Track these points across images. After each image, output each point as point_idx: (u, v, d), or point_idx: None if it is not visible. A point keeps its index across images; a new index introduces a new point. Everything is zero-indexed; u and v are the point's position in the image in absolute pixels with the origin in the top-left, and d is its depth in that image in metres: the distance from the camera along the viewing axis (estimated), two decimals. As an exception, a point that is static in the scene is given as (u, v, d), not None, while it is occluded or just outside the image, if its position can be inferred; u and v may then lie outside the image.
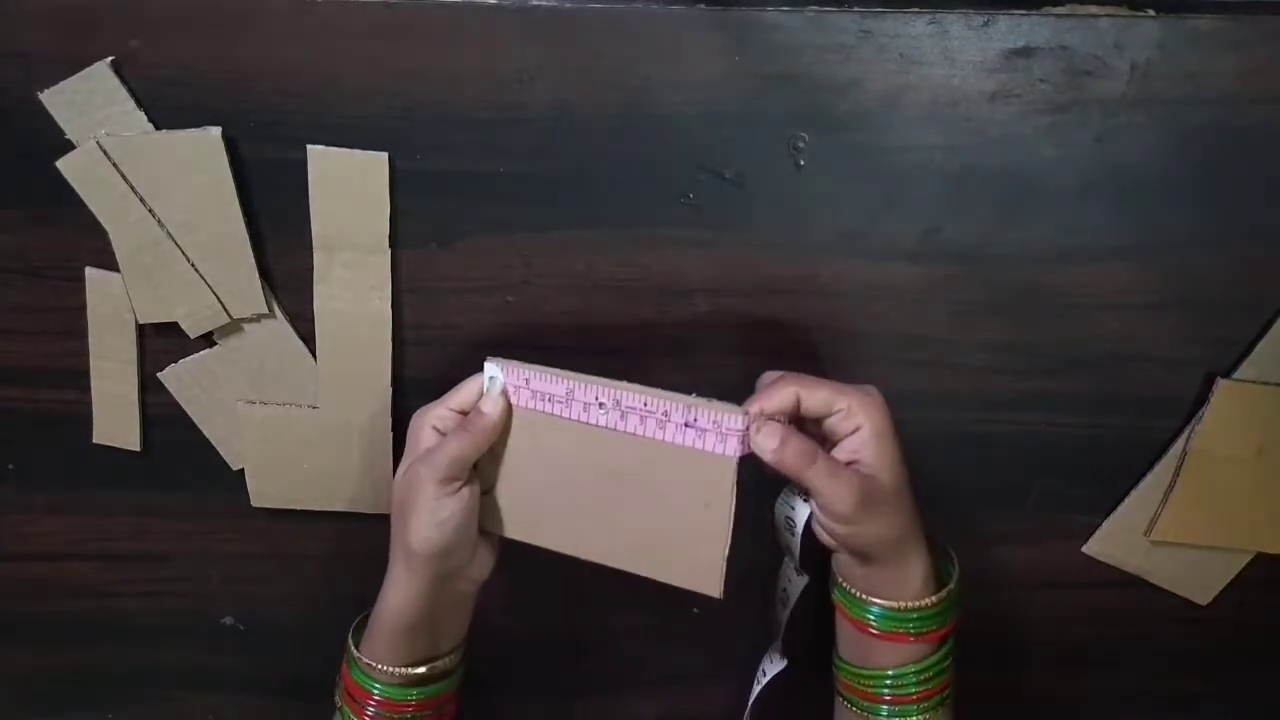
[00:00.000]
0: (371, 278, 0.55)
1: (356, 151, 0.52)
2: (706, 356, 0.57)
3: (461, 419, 0.50)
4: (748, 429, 0.46)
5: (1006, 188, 0.53)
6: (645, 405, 0.48)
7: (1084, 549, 0.62)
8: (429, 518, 0.49)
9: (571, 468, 0.50)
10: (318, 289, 0.55)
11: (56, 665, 0.68)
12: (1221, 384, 0.56)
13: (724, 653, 0.65)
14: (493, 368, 0.50)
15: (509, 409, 0.50)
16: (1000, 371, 0.57)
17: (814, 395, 0.47)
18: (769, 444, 0.46)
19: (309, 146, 0.52)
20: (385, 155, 0.52)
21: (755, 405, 0.47)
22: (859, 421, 0.47)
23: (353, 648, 0.53)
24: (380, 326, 0.56)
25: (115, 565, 0.64)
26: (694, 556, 0.48)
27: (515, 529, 0.52)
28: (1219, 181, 0.52)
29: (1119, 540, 0.61)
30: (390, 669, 0.52)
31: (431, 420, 0.50)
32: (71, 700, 0.69)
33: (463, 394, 0.50)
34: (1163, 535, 0.60)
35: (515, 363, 0.50)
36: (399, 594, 0.51)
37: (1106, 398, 0.58)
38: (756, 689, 0.58)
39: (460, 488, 0.49)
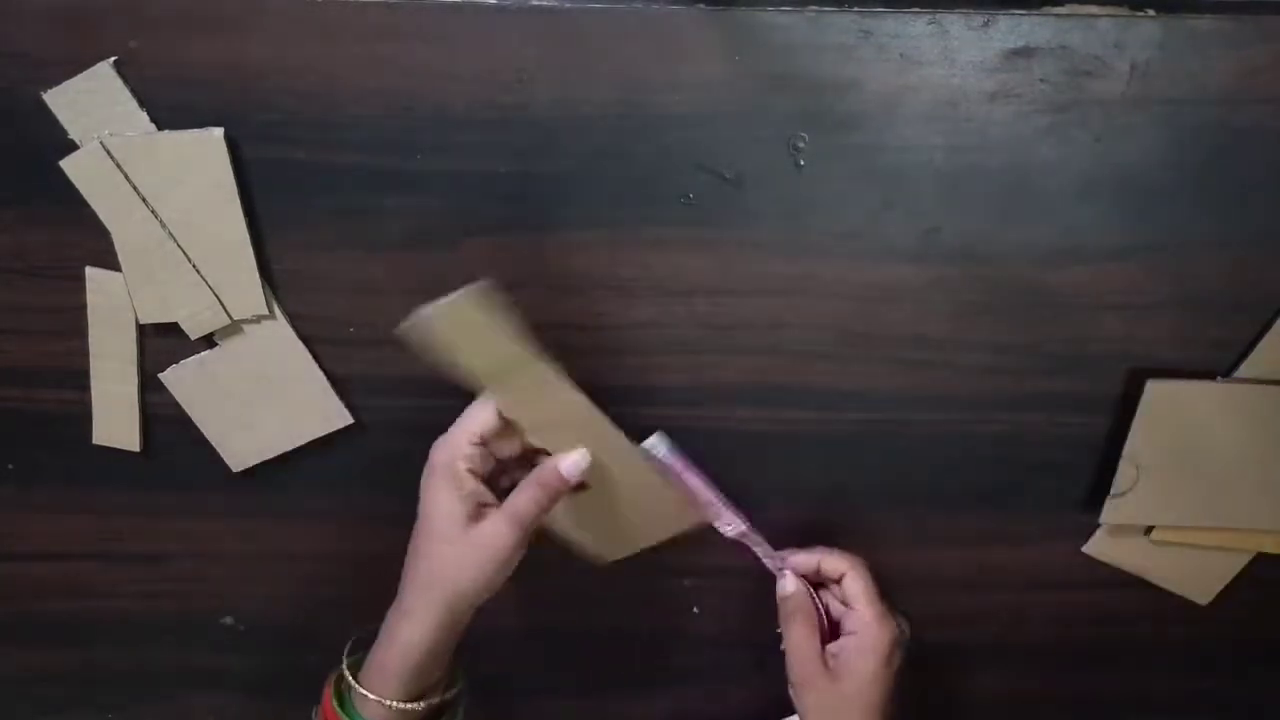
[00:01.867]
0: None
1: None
2: (706, 356, 0.57)
3: (536, 470, 0.51)
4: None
5: (1006, 188, 0.53)
6: (759, 541, 0.56)
7: (1084, 549, 0.62)
8: (495, 568, 0.49)
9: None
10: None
11: (56, 665, 0.68)
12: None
13: (724, 653, 0.65)
14: (660, 443, 0.54)
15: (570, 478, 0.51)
16: (1000, 371, 0.57)
17: (854, 583, 0.54)
18: (786, 587, 0.55)
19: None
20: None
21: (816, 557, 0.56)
22: (861, 631, 0.53)
23: (351, 679, 0.51)
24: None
25: (115, 565, 0.64)
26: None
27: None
28: (1219, 181, 0.52)
29: (1119, 540, 0.61)
30: (394, 704, 0.50)
31: (463, 461, 0.49)
32: (71, 700, 0.69)
33: (478, 423, 0.50)
34: (1163, 535, 0.60)
35: (678, 457, 0.54)
36: (421, 631, 0.49)
37: (1106, 398, 0.58)
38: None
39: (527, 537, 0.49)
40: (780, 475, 0.59)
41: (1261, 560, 0.61)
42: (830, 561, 0.55)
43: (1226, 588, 0.62)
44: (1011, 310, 0.56)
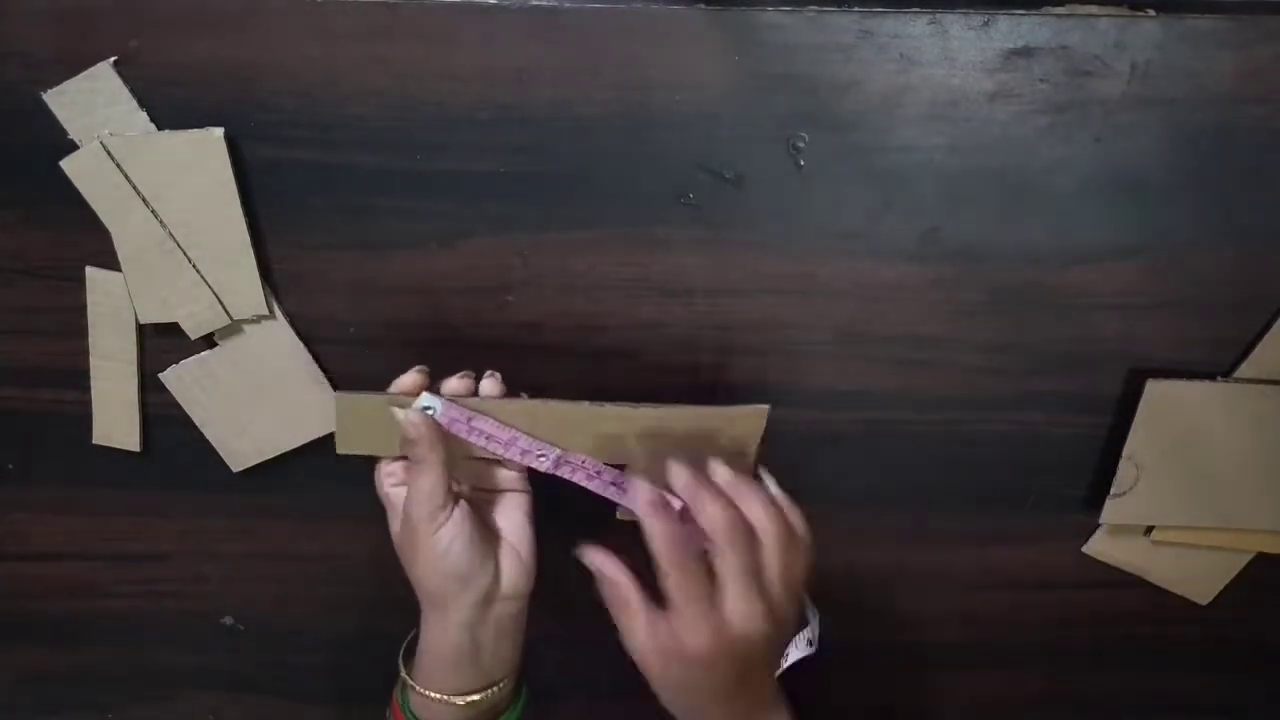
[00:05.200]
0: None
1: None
2: (706, 356, 0.57)
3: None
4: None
5: (1006, 188, 0.53)
6: (582, 462, 0.52)
7: (1084, 549, 0.62)
8: (430, 554, 0.49)
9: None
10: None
11: (56, 665, 0.68)
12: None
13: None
14: (430, 399, 0.50)
15: (433, 422, 0.50)
16: (1000, 371, 0.57)
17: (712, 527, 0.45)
18: (603, 569, 0.46)
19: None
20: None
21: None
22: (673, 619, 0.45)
23: (404, 673, 0.53)
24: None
25: (115, 565, 0.64)
26: None
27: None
28: (1219, 181, 0.52)
29: (1119, 540, 0.61)
30: (443, 697, 0.51)
31: (386, 480, 0.53)
32: (71, 700, 0.69)
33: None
34: (1163, 535, 0.60)
35: (456, 405, 0.51)
36: (437, 632, 0.51)
37: (1106, 398, 0.58)
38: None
39: (451, 513, 0.49)
40: (780, 475, 0.59)
41: (1261, 560, 0.61)
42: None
43: (1226, 588, 0.62)
44: (1011, 310, 0.56)
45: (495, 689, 0.52)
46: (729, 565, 0.45)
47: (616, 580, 0.46)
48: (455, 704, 0.51)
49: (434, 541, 0.49)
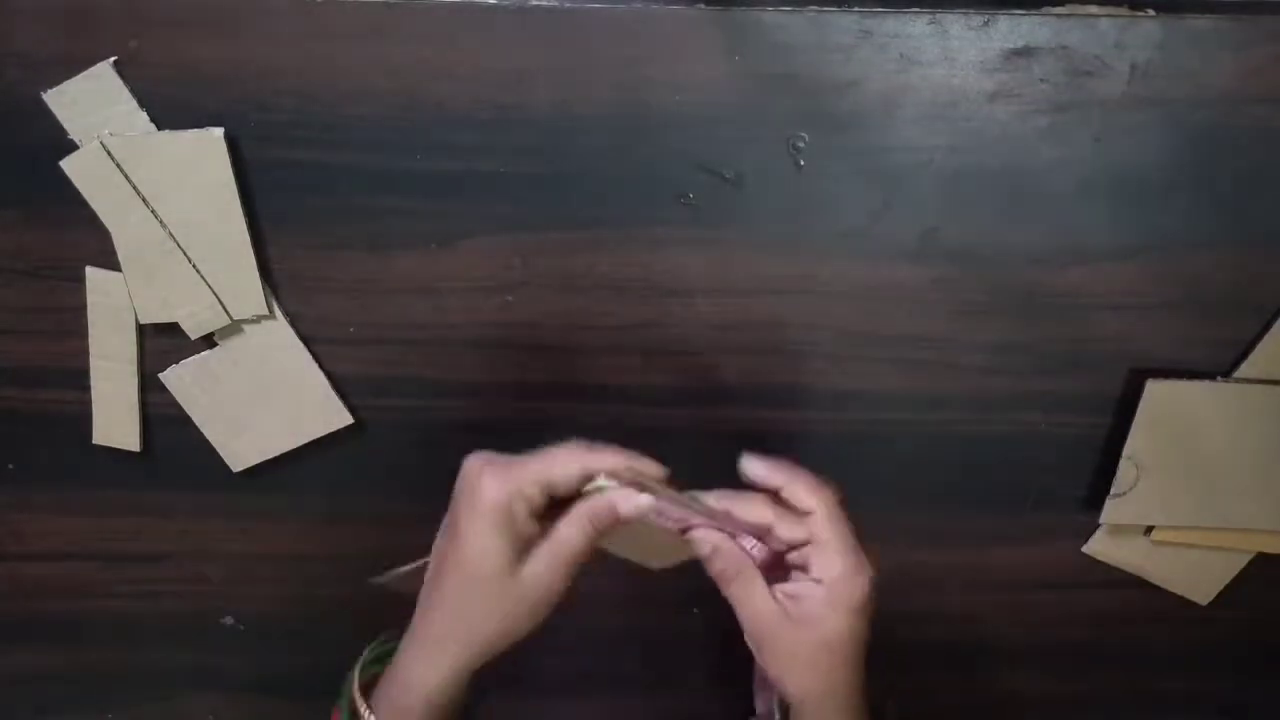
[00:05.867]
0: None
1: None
2: (706, 356, 0.57)
3: (588, 502, 0.44)
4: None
5: (1006, 188, 0.53)
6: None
7: (1084, 549, 0.62)
8: (533, 615, 0.45)
9: None
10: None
11: (56, 665, 0.68)
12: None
13: (724, 653, 0.65)
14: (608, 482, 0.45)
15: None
16: (1000, 371, 0.57)
17: (825, 527, 0.46)
18: (703, 548, 0.46)
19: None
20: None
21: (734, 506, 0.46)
22: (833, 584, 0.45)
23: (365, 711, 0.47)
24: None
25: (115, 565, 0.64)
26: None
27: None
28: (1219, 181, 0.52)
29: (1119, 540, 0.61)
30: None
31: (522, 504, 0.44)
32: (71, 700, 0.69)
33: (554, 473, 0.44)
34: (1163, 535, 0.60)
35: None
36: (440, 675, 0.45)
37: (1106, 398, 0.58)
38: None
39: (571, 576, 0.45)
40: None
41: (1261, 560, 0.61)
42: (797, 493, 0.46)
43: (1226, 588, 0.62)
44: (1011, 310, 0.56)
45: None
46: (845, 525, 0.47)
47: (732, 551, 0.46)
48: None
49: (537, 601, 0.44)
